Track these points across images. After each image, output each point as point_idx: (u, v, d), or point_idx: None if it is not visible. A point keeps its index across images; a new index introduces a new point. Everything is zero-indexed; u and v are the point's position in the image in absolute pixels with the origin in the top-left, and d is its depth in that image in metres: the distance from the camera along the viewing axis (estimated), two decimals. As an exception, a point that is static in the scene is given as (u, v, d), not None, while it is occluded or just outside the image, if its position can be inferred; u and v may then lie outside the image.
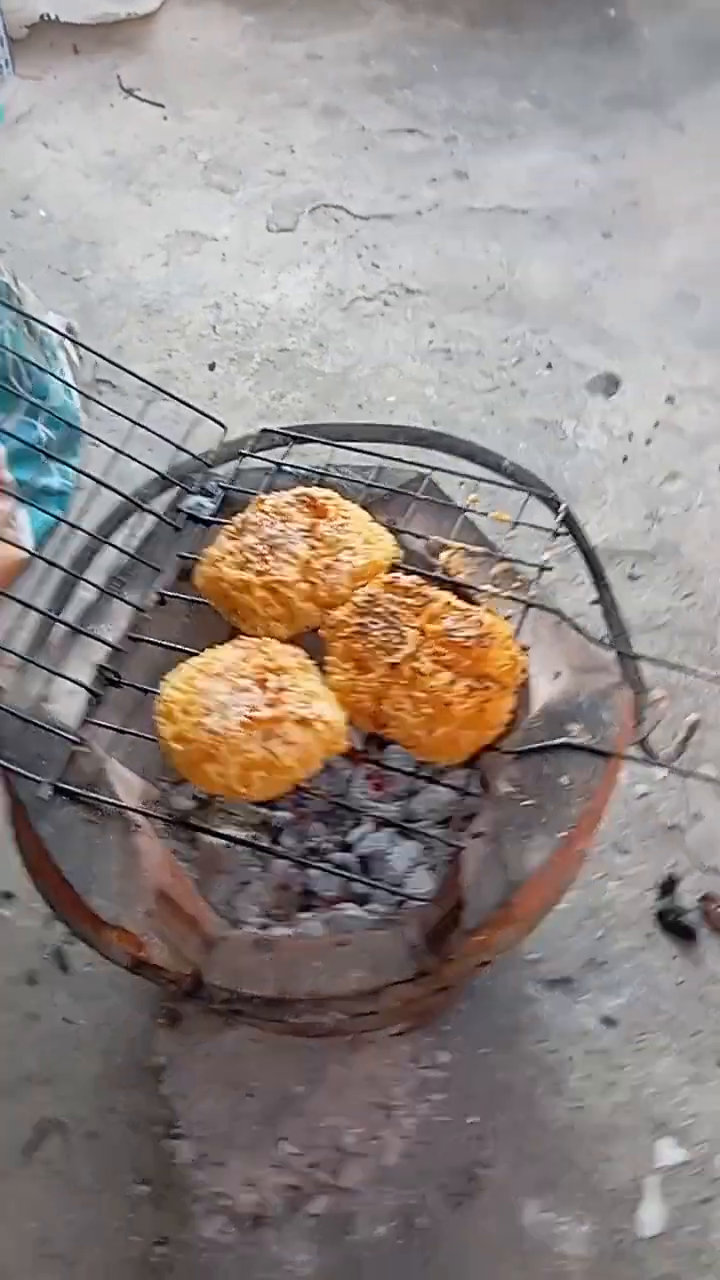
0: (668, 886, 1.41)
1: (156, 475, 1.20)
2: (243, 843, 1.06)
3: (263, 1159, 1.23)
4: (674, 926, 1.38)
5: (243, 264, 2.14)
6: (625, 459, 1.77)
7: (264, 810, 1.22)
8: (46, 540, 1.72)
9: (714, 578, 1.64)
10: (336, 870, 1.09)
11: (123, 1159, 1.26)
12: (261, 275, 2.11)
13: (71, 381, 1.85)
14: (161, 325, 2.06)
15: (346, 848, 1.23)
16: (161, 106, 2.47)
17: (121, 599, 1.13)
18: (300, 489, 1.04)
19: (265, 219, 2.21)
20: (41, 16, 2.62)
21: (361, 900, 1.18)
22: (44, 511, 1.61)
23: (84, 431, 1.43)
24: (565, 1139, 1.25)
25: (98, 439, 1.19)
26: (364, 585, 0.99)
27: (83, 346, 1.57)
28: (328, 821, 1.24)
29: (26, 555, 1.63)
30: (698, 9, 2.53)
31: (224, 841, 1.06)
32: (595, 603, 1.13)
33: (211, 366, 1.99)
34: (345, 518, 1.02)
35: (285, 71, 2.51)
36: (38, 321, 1.71)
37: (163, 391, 1.18)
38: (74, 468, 1.50)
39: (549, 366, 1.90)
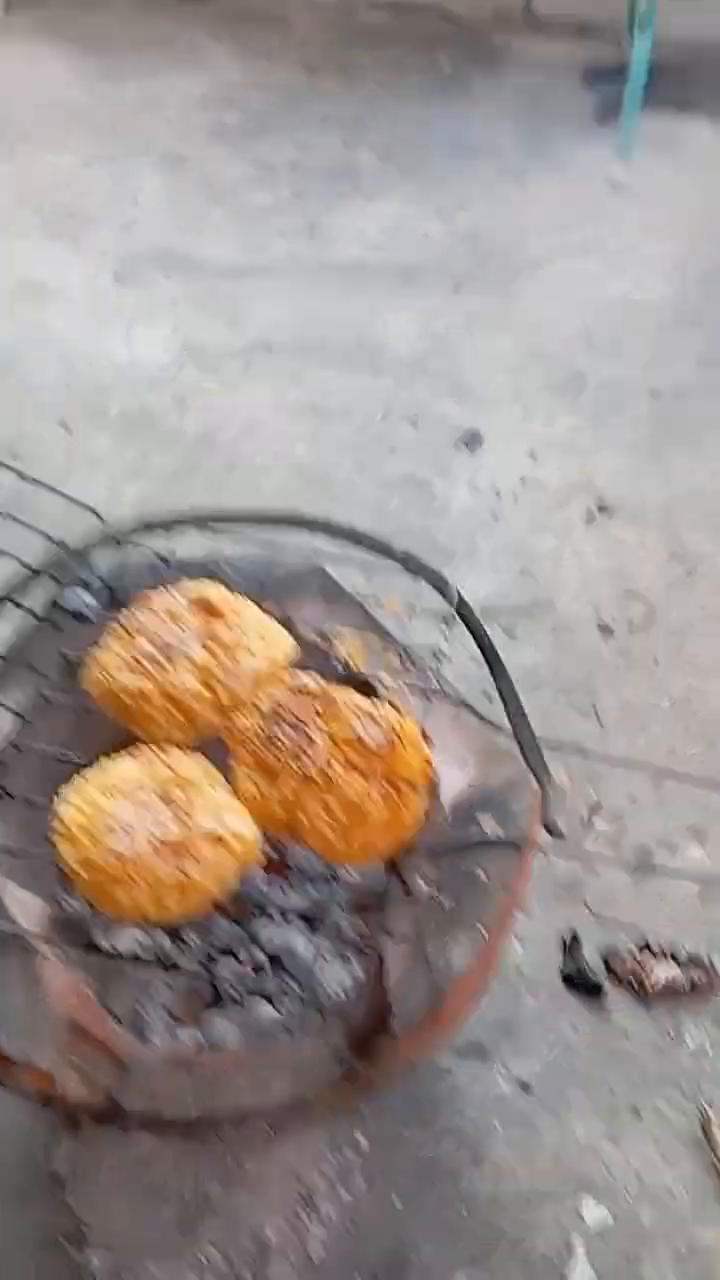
0: (571, 944, 1.43)
1: (25, 567, 1.14)
2: (153, 963, 1.01)
3: (182, 1264, 1.17)
4: (579, 984, 1.40)
5: (92, 319, 2.08)
6: (495, 516, 1.80)
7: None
8: None
9: (587, 631, 1.68)
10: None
11: (29, 1277, 1.18)
12: (113, 331, 2.06)
13: None
14: (7, 382, 1.98)
15: (253, 940, 1.20)
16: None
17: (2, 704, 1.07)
18: (192, 587, 1.00)
19: (113, 271, 2.15)
20: None
21: (272, 997, 1.14)
22: None
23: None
24: (491, 1209, 1.24)
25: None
26: (265, 687, 0.96)
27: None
28: (230, 915, 1.20)
29: None
30: (527, 64, 2.62)
31: (130, 963, 1.01)
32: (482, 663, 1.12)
33: (64, 426, 1.92)
34: (239, 617, 0.99)
35: (126, 116, 2.46)
36: None
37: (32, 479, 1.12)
38: None
39: (414, 424, 1.92)
